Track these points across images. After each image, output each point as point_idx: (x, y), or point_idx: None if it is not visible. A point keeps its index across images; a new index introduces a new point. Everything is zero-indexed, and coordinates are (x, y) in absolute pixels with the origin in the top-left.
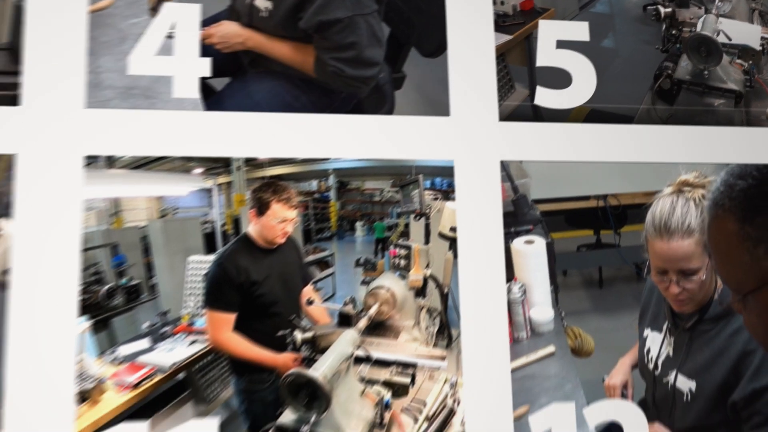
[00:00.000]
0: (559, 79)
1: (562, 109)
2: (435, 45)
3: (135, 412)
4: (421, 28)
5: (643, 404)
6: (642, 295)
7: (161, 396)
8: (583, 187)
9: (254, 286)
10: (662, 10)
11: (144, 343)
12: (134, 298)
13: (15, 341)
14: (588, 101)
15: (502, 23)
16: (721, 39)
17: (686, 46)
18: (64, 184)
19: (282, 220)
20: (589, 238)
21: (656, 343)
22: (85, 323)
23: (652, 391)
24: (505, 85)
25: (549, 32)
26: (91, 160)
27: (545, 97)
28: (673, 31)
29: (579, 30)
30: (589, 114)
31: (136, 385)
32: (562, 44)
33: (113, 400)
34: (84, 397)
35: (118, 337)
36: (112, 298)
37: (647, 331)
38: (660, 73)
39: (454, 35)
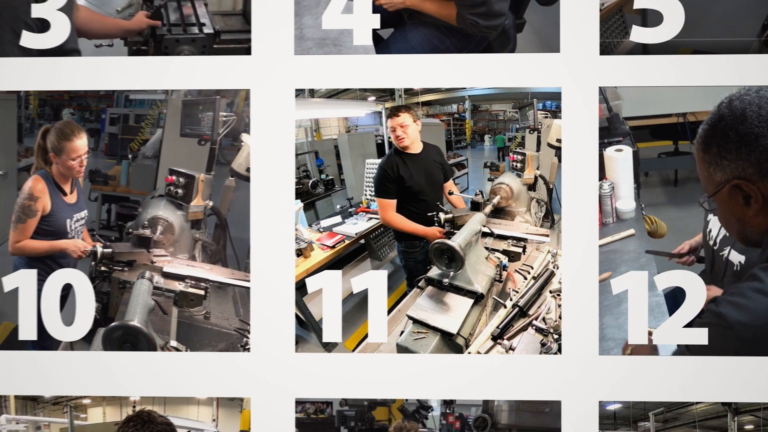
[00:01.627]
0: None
1: (659, 43)
2: None
3: (332, 264)
4: None
5: (701, 276)
6: None
7: (349, 254)
8: (666, 106)
9: (404, 181)
10: None
11: (337, 219)
12: (330, 188)
13: (255, 216)
14: (695, 44)
15: None
16: None
17: None
18: (281, 108)
19: (393, 129)
20: (668, 148)
21: (716, 225)
22: (299, 204)
23: (710, 262)
24: (620, 32)
25: None
26: (299, 92)
27: (639, 34)
28: None
29: None
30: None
31: (333, 247)
32: None
33: (318, 255)
34: (299, 253)
35: (320, 214)
36: (315, 188)
37: (710, 216)
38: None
39: None
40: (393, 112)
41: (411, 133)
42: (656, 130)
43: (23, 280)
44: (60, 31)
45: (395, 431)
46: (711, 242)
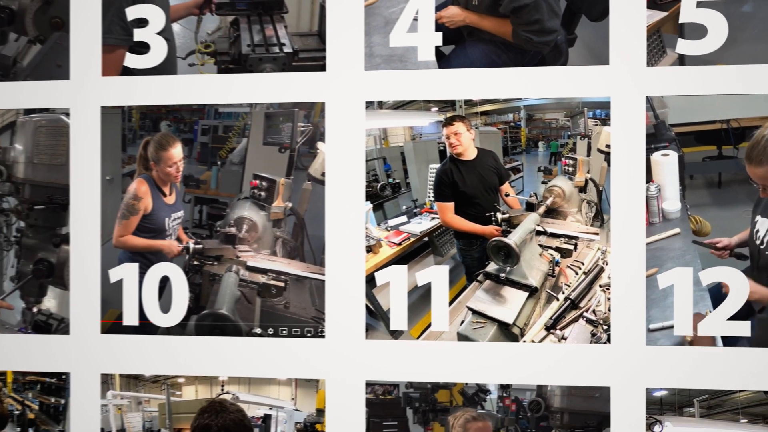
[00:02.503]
0: (696, 32)
1: (699, 56)
2: (599, 12)
3: (398, 259)
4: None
5: (746, 272)
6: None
7: (414, 251)
8: (710, 114)
9: (458, 186)
10: None
11: (403, 218)
12: (397, 190)
13: (329, 216)
14: (728, 58)
15: (659, 1)
16: None
17: None
18: (353, 119)
19: (447, 137)
20: (712, 152)
21: (764, 226)
22: (369, 205)
23: (756, 261)
24: (658, 51)
25: None
26: (369, 104)
27: (684, 47)
28: None
29: None
30: None
31: (399, 244)
32: (701, 4)
33: (386, 252)
34: (369, 249)
35: (388, 215)
36: (384, 191)
37: (758, 217)
38: None
39: (615, 4)
40: (448, 122)
41: (464, 141)
42: (701, 135)
43: (127, 272)
44: (158, 52)
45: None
46: (758, 242)
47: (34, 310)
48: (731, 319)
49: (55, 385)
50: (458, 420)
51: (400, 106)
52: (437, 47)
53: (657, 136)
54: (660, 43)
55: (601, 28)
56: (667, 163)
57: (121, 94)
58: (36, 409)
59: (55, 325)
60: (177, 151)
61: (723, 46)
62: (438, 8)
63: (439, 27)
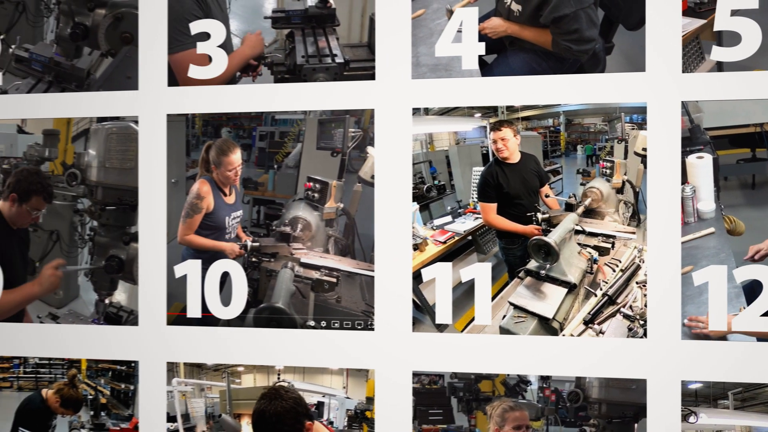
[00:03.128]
0: (732, 39)
1: (735, 62)
2: (636, 21)
3: (443, 257)
4: (626, 9)
5: None
6: None
7: (458, 249)
8: (744, 118)
9: (502, 187)
10: None
11: (448, 218)
12: (442, 192)
13: (379, 216)
14: (763, 64)
15: (698, 9)
16: None
17: None
18: (401, 125)
19: (494, 141)
20: (746, 155)
21: None
22: (415, 206)
23: None
24: (697, 57)
25: (726, 4)
26: (416, 111)
27: (719, 53)
28: None
29: (750, 0)
30: None
31: (444, 242)
32: (735, 12)
33: (431, 249)
34: (416, 247)
35: (434, 215)
36: (429, 192)
37: None
38: None
39: (651, 13)
40: (496, 126)
41: (510, 146)
42: (735, 138)
43: (190, 268)
44: (219, 64)
45: (496, 408)
46: None
47: (106, 302)
48: (764, 315)
49: (125, 373)
50: (496, 410)
51: (445, 112)
52: (480, 56)
53: (692, 140)
54: (699, 49)
55: (638, 36)
56: (702, 165)
57: (185, 103)
58: (108, 394)
59: (125, 316)
60: (236, 157)
61: (757, 52)
62: (481, 20)
63: (482, 37)
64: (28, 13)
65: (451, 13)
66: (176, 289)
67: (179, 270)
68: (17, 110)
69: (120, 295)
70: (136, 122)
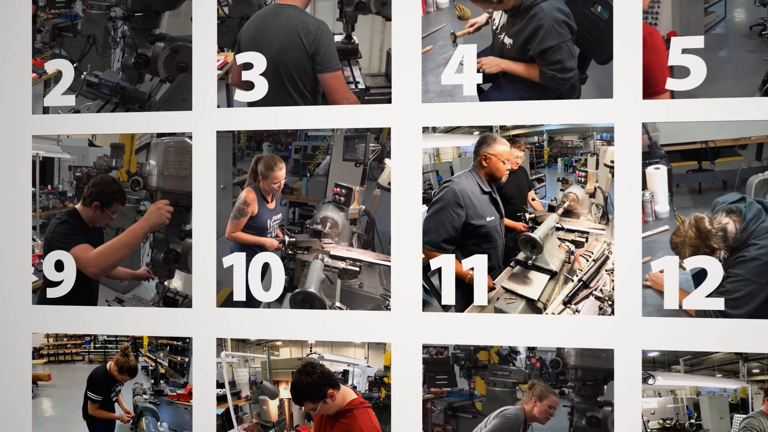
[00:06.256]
0: (682, 73)
1: (684, 91)
2: (606, 57)
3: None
4: (598, 47)
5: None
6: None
7: None
8: (692, 136)
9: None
10: None
11: None
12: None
13: (394, 216)
14: (707, 93)
15: None
16: None
17: None
18: (412, 140)
19: (510, 157)
20: (694, 166)
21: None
22: (425, 208)
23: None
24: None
25: (677, 44)
26: (425, 129)
27: (672, 84)
28: None
29: (696, 41)
30: None
31: None
32: (684, 50)
33: None
34: None
35: None
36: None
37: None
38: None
39: (618, 51)
40: (515, 145)
41: (520, 162)
42: (685, 153)
43: (237, 259)
44: (261, 89)
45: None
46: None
47: (165, 284)
48: (708, 296)
49: (181, 347)
50: (539, 387)
51: (450, 130)
52: (478, 85)
53: (651, 154)
54: None
55: (607, 69)
56: (659, 174)
57: (232, 121)
58: (166, 366)
59: (180, 300)
60: (282, 173)
61: (703, 83)
62: (479, 55)
63: (479, 70)
64: (97, 45)
65: (455, 37)
66: (224, 277)
67: (227, 261)
68: (88, 127)
69: (177, 282)
70: (191, 137)
